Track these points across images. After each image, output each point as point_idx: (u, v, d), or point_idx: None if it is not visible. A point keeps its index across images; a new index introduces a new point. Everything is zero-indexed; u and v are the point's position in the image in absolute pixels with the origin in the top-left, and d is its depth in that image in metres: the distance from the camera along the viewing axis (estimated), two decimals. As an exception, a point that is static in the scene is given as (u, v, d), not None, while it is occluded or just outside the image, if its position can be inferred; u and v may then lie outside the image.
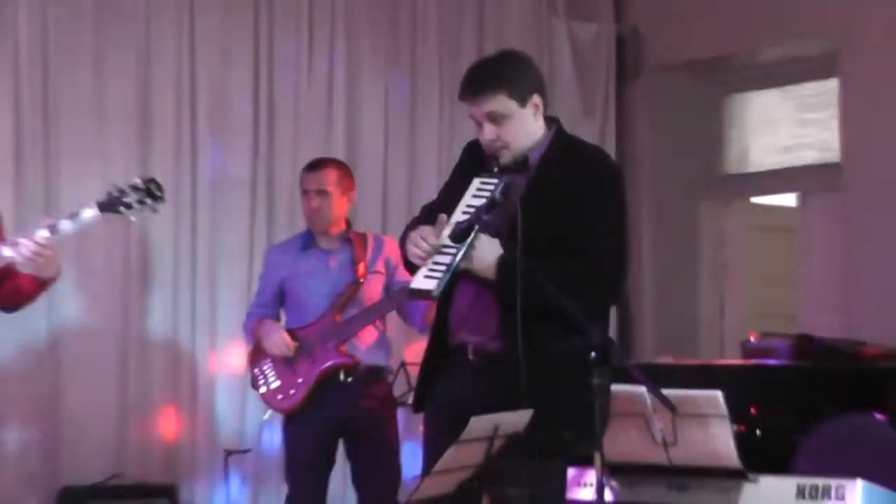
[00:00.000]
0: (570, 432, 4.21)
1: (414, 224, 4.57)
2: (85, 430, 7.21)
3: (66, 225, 4.97)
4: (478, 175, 4.40)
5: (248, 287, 7.35)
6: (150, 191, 5.09)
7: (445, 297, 4.41)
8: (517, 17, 8.33)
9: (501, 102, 4.37)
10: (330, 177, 6.31)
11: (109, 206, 5.04)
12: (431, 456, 4.30)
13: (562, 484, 4.55)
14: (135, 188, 5.07)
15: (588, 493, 4.45)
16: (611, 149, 8.14)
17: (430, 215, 4.47)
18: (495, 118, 4.37)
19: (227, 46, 7.63)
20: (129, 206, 5.05)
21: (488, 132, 4.39)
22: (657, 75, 8.43)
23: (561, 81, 8.33)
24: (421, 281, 4.26)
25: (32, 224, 6.83)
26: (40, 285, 5.16)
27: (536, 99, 4.43)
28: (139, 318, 7.42)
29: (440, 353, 4.54)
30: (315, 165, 6.45)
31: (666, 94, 8.43)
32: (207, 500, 7.46)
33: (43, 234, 4.94)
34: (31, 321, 6.93)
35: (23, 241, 4.94)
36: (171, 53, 7.49)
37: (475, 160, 4.56)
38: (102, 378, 7.28)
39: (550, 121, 4.52)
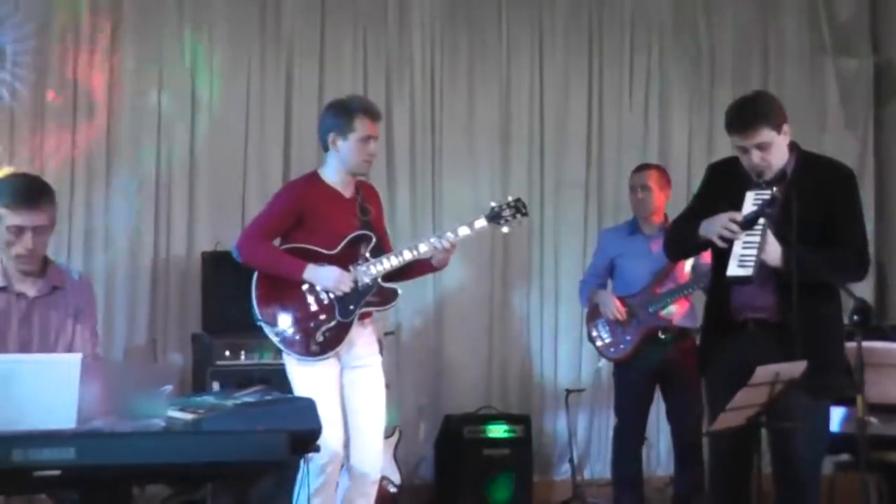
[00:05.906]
0: (842, 378, 4.65)
1: (679, 228, 5.07)
2: (461, 372, 8.23)
3: (464, 230, 5.58)
4: (749, 190, 4.76)
5: (582, 264, 8.10)
6: (519, 208, 5.70)
7: (723, 284, 4.77)
8: (793, 56, 8.88)
9: (766, 134, 4.75)
10: (652, 175, 6.92)
11: (493, 218, 5.67)
12: (716, 405, 4.62)
13: (826, 419, 4.94)
14: (509, 205, 5.68)
15: (851, 426, 4.80)
16: (870, 158, 8.81)
17: (690, 224, 4.90)
18: (762, 147, 4.75)
19: (567, 80, 8.50)
20: (506, 220, 5.69)
21: (756, 157, 4.75)
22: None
23: (828, 104, 8.86)
24: (737, 269, 4.63)
25: (421, 216, 8.05)
26: (432, 270, 5.75)
27: (786, 128, 4.80)
28: (501, 289, 8.36)
29: (722, 328, 4.91)
30: (642, 167, 7.04)
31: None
32: (553, 428, 8.29)
33: (463, 230, 5.54)
34: (422, 292, 8.09)
35: (448, 234, 5.51)
36: (526, 86, 8.43)
37: (721, 179, 4.99)
38: (474, 333, 8.26)
39: (791, 143, 4.89)
